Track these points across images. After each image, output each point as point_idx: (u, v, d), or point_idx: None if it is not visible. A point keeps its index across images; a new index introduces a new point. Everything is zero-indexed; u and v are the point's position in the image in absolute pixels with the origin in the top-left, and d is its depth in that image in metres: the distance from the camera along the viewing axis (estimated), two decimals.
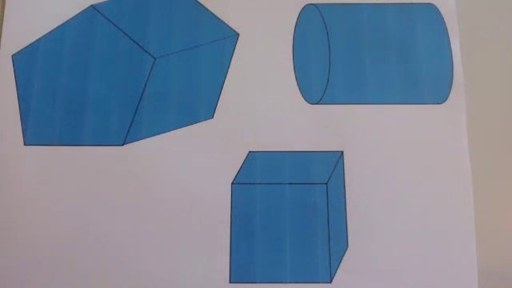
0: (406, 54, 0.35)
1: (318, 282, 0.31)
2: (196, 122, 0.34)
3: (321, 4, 0.36)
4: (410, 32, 0.35)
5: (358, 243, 0.32)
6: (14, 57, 0.34)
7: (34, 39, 0.35)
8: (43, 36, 0.35)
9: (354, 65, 0.35)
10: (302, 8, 0.36)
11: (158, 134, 0.33)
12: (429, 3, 0.36)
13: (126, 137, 0.33)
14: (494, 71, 0.35)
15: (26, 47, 0.35)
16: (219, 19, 0.35)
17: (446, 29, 0.35)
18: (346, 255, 0.32)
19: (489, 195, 0.33)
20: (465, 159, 0.33)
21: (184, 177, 0.33)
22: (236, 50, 0.35)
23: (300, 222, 0.32)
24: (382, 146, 0.33)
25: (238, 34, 0.35)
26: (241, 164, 0.33)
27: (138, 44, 0.35)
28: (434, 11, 0.36)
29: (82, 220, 0.32)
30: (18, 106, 0.34)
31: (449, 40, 0.35)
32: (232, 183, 0.33)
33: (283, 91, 0.34)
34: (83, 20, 0.35)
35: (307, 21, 0.36)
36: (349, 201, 0.33)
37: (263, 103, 0.34)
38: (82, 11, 0.35)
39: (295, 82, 0.34)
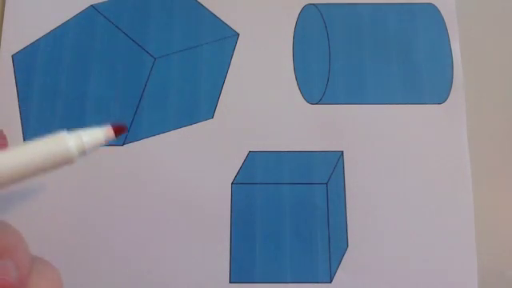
0: (406, 54, 0.35)
1: (318, 282, 0.31)
2: (196, 122, 0.34)
3: (321, 4, 0.36)
4: (410, 32, 0.35)
5: (357, 243, 0.32)
6: (14, 57, 0.34)
7: (34, 39, 0.35)
8: (43, 36, 0.35)
9: (353, 65, 0.35)
10: (302, 8, 0.36)
11: (158, 134, 0.33)
12: (429, 3, 0.36)
13: (125, 137, 0.33)
14: (494, 71, 0.35)
15: (26, 47, 0.35)
16: (219, 19, 0.35)
17: (446, 29, 0.35)
18: (345, 255, 0.32)
19: (489, 195, 0.33)
20: (465, 159, 0.33)
21: (184, 177, 0.33)
22: (236, 50, 0.35)
23: (300, 222, 0.32)
24: (381, 146, 0.33)
25: (238, 34, 0.35)
26: (241, 164, 0.33)
27: (138, 44, 0.35)
28: (433, 11, 0.36)
29: (82, 220, 0.32)
30: (18, 106, 0.34)
31: (449, 40, 0.35)
32: (232, 183, 0.33)
33: (283, 91, 0.34)
34: (83, 20, 0.35)
35: (307, 21, 0.36)
36: (349, 201, 0.33)
37: (263, 103, 0.34)
38: (82, 11, 0.35)
39: (295, 82, 0.34)
